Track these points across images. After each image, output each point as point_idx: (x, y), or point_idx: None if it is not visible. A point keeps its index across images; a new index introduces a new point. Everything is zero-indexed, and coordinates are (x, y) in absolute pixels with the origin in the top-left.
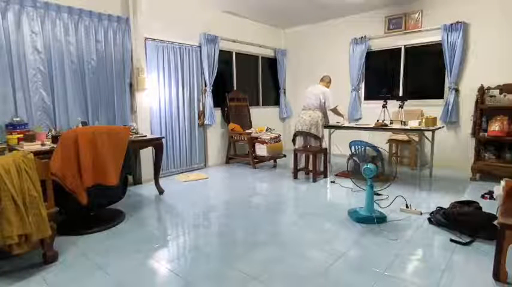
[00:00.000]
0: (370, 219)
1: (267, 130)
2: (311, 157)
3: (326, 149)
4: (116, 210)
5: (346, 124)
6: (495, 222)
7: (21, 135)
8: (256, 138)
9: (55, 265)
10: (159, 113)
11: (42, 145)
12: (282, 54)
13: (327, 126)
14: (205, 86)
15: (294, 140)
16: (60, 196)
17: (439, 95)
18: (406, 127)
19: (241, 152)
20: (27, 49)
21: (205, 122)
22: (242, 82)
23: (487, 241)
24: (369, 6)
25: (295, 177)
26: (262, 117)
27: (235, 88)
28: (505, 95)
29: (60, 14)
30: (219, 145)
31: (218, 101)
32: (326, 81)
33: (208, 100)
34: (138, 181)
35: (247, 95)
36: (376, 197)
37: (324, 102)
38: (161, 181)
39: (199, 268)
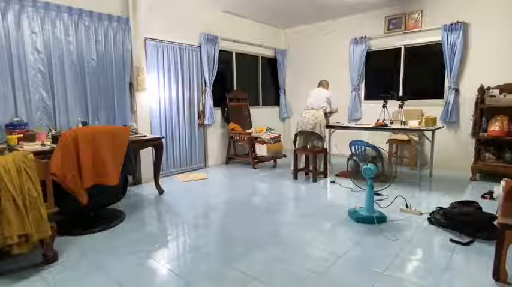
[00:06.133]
0: (370, 219)
1: (267, 130)
2: (311, 156)
3: (326, 149)
4: (116, 210)
5: (346, 124)
6: (495, 222)
7: (21, 135)
8: (256, 138)
9: (55, 265)
10: (159, 113)
11: (42, 145)
12: (282, 54)
13: (327, 126)
14: (205, 86)
15: (295, 141)
16: (60, 196)
17: (439, 95)
18: (406, 127)
19: (241, 152)
20: (27, 49)
21: (205, 122)
22: (242, 82)
23: (487, 241)
24: (369, 6)
25: (295, 177)
26: (262, 117)
27: (235, 88)
28: (505, 95)
29: (60, 14)
30: (219, 145)
31: (218, 101)
32: (326, 85)
33: (208, 100)
34: (138, 181)
35: (247, 95)
36: (376, 197)
37: (330, 105)
38: (161, 181)
39: (199, 268)
